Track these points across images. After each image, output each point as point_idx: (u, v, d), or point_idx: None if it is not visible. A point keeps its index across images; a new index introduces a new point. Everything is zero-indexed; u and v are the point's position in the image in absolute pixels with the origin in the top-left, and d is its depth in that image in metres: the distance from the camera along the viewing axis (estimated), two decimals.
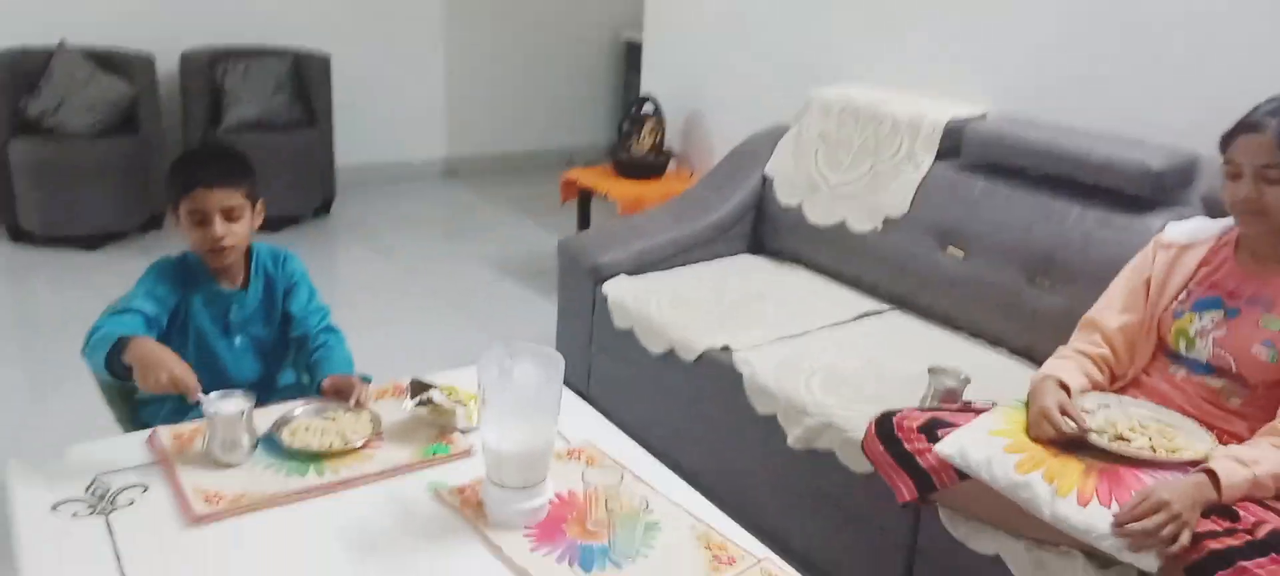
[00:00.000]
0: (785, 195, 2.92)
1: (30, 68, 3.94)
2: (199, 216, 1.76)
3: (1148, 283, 1.83)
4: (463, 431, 1.67)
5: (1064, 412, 1.66)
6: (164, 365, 1.55)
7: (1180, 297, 1.77)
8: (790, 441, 2.09)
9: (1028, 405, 1.75)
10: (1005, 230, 2.36)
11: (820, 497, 2.07)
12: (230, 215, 1.77)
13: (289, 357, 1.99)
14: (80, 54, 4.00)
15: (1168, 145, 2.19)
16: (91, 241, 3.97)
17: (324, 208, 4.68)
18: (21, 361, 3.12)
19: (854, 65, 3.10)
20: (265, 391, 1.85)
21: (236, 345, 1.89)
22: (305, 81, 4.46)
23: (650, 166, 3.70)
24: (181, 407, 1.75)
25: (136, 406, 1.91)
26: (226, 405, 1.53)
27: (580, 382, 2.82)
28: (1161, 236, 1.85)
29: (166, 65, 4.27)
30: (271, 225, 4.25)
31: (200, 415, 1.56)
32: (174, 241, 1.86)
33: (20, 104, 3.90)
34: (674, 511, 1.51)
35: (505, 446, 1.41)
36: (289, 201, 4.35)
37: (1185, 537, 1.43)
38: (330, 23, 4.93)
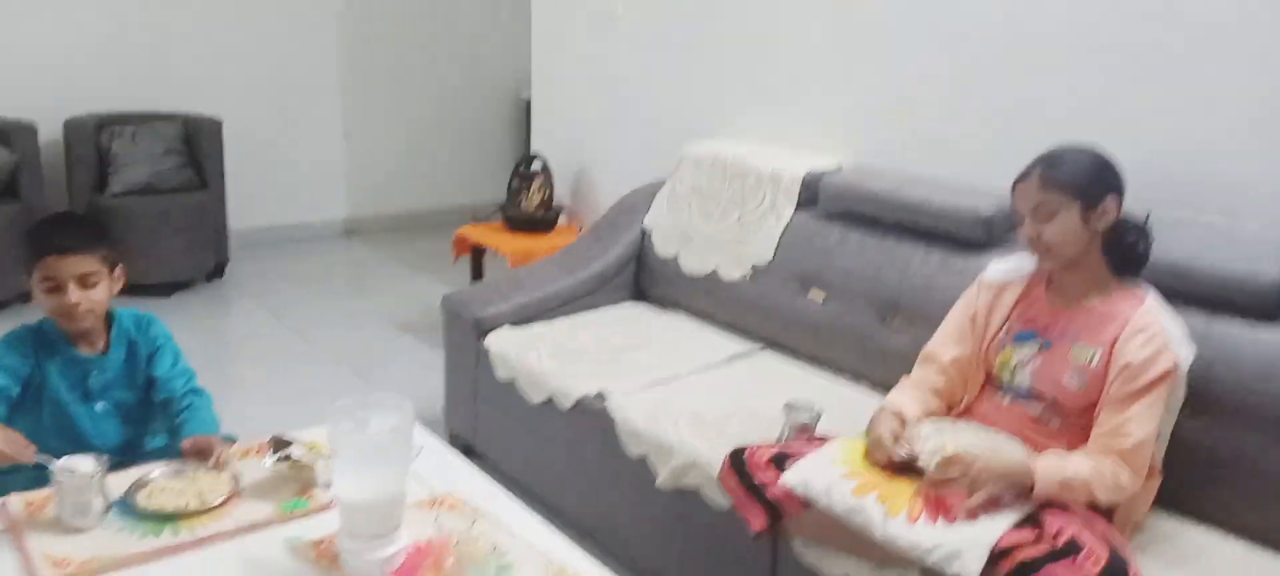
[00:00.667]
0: (662, 246, 3.04)
1: None
2: (51, 284, 1.78)
3: (974, 319, 1.98)
4: (324, 486, 1.70)
5: (897, 439, 1.79)
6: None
7: (1001, 333, 1.92)
8: (659, 481, 2.18)
9: (867, 435, 1.87)
10: (858, 275, 2.51)
11: (689, 534, 2.15)
12: (85, 282, 1.79)
13: (156, 421, 2.00)
14: None
15: (996, 191, 2.37)
16: None
17: (217, 271, 4.63)
18: None
19: (725, 122, 3.26)
20: (132, 455, 1.86)
21: (97, 410, 1.89)
22: (196, 145, 4.44)
23: (540, 222, 3.80)
24: (44, 476, 1.75)
25: None
26: (76, 468, 1.54)
27: (468, 434, 2.86)
28: (984, 276, 2.01)
29: (50, 133, 4.21)
30: (162, 289, 4.21)
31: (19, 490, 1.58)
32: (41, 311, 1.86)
33: None
34: (528, 553, 1.56)
35: (358, 496, 1.45)
36: (180, 265, 4.30)
37: (978, 498, 1.62)
38: (222, 87, 4.93)
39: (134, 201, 4.13)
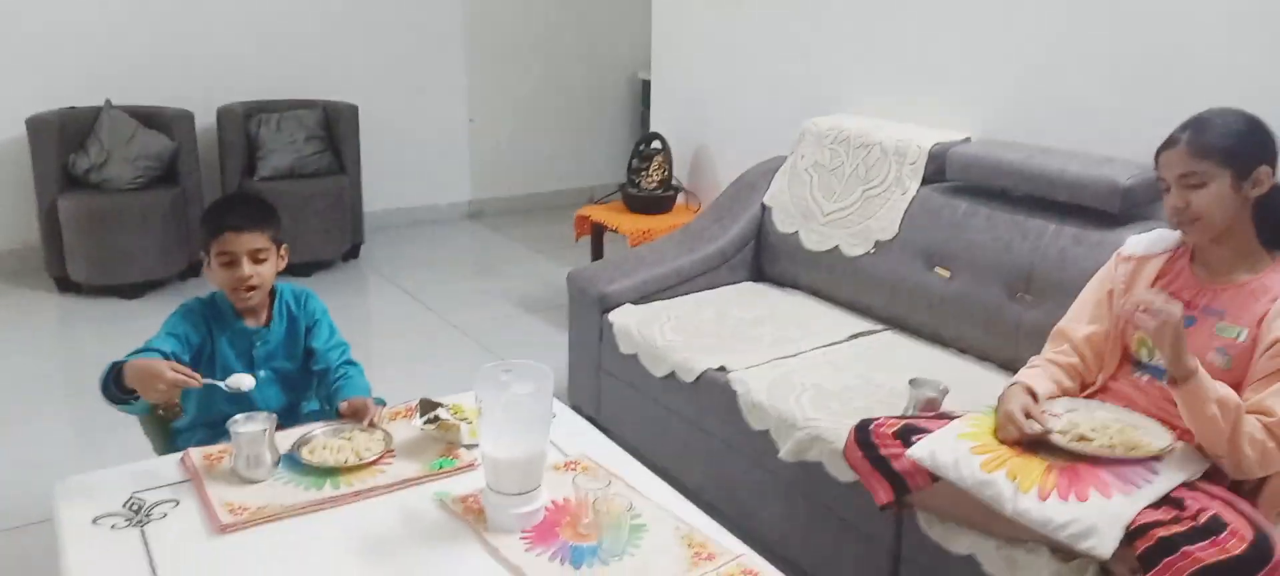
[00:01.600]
0: (783, 223, 3.05)
1: (77, 126, 4.21)
2: (227, 258, 1.93)
3: (1111, 294, 1.93)
4: (467, 447, 1.81)
5: (1029, 414, 1.77)
6: (158, 374, 1.69)
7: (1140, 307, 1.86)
8: (782, 454, 2.20)
9: (997, 411, 1.85)
10: (987, 249, 2.47)
11: (812, 506, 2.18)
12: (256, 257, 1.94)
13: (312, 389, 2.15)
14: (124, 112, 4.25)
15: (1135, 161, 2.29)
16: (134, 289, 4.19)
17: (353, 252, 4.89)
18: (69, 406, 3.32)
19: (847, 95, 3.24)
20: (289, 419, 2.01)
21: (260, 377, 2.05)
22: (335, 131, 4.69)
23: (658, 201, 3.86)
24: (213, 434, 1.92)
25: (173, 435, 2.09)
26: (250, 425, 1.69)
27: (590, 407, 2.95)
28: (1122, 250, 1.95)
29: (204, 120, 4.53)
30: (302, 269, 4.47)
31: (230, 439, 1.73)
32: (209, 286, 2.03)
33: (68, 161, 4.16)
34: (659, 514, 1.63)
35: (502, 454, 1.54)
36: (320, 246, 4.56)
37: (1151, 324, 1.61)
38: (358, 74, 5.18)
39: (279, 185, 4.39)
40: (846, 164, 2.92)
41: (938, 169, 2.70)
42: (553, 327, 4.05)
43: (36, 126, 4.11)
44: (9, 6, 4.35)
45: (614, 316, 2.81)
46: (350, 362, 2.09)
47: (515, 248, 5.34)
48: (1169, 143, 1.75)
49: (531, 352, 3.74)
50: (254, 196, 2.11)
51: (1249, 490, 1.68)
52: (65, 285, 4.26)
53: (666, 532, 1.58)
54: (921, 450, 1.79)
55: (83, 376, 3.58)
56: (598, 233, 3.98)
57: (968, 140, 2.75)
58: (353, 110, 4.73)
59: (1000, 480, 1.68)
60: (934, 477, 1.80)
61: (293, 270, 4.35)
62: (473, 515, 1.61)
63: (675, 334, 2.65)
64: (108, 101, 4.27)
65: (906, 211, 2.71)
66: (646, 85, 5.95)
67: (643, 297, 2.89)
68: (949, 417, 1.95)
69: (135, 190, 4.16)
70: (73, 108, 4.27)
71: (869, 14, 3.16)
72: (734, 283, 3.09)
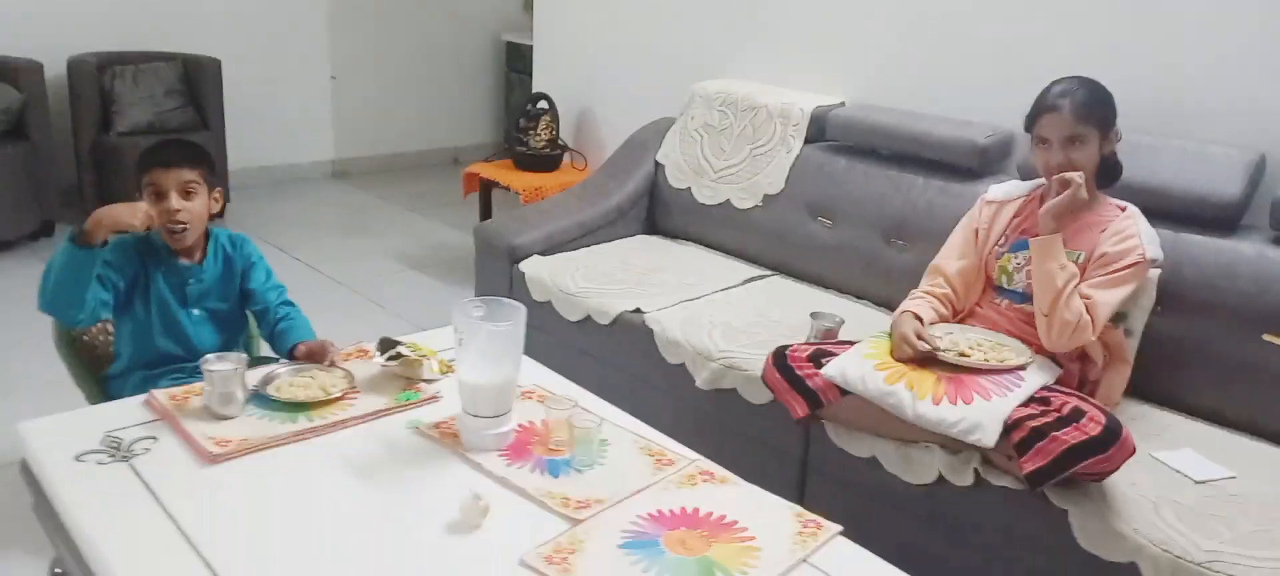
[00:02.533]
0: (676, 179, 3.28)
1: None
2: (156, 190, 1.98)
3: (976, 233, 2.28)
4: (428, 381, 1.93)
5: (919, 337, 2.08)
6: (115, 212, 1.85)
7: (1000, 242, 2.22)
8: (698, 383, 2.45)
9: (891, 335, 2.16)
10: (864, 201, 2.80)
11: (726, 430, 2.43)
12: (185, 190, 2.00)
13: (244, 330, 2.21)
14: None
15: (990, 124, 2.67)
16: None
17: (219, 212, 4.72)
18: None
19: (729, 62, 3.50)
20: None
21: (195, 315, 2.09)
22: (196, 86, 4.52)
23: (547, 159, 4.00)
24: (146, 380, 1.96)
25: (105, 382, 2.10)
26: (222, 364, 1.75)
27: None
28: (985, 195, 2.31)
29: (54, 71, 4.26)
30: None
31: (160, 385, 1.82)
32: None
33: None
34: (617, 431, 1.83)
35: (481, 380, 1.69)
36: None
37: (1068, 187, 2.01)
38: (216, 27, 4.99)
39: (139, 141, 4.19)
40: (734, 125, 3.18)
41: (819, 130, 3.01)
42: (437, 281, 4.14)
43: None
44: None
45: (525, 266, 2.96)
46: (289, 303, 2.17)
47: (386, 206, 5.33)
48: (1051, 108, 2.07)
49: (423, 305, 3.84)
50: (182, 139, 2.14)
51: (1088, 390, 2.07)
52: None
53: (627, 445, 1.78)
54: (833, 369, 2.08)
55: None
56: (486, 190, 4.08)
57: (842, 104, 3.07)
58: (216, 64, 4.57)
59: (901, 390, 1.99)
60: (842, 392, 2.08)
61: None
62: (449, 438, 1.75)
63: (586, 281, 2.84)
64: None
65: (791, 168, 3.00)
66: (511, 46, 6.04)
67: (548, 249, 3.05)
68: (847, 344, 2.25)
69: None
70: None
71: None
72: (630, 235, 3.30)
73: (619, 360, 2.69)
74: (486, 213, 4.08)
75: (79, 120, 4.26)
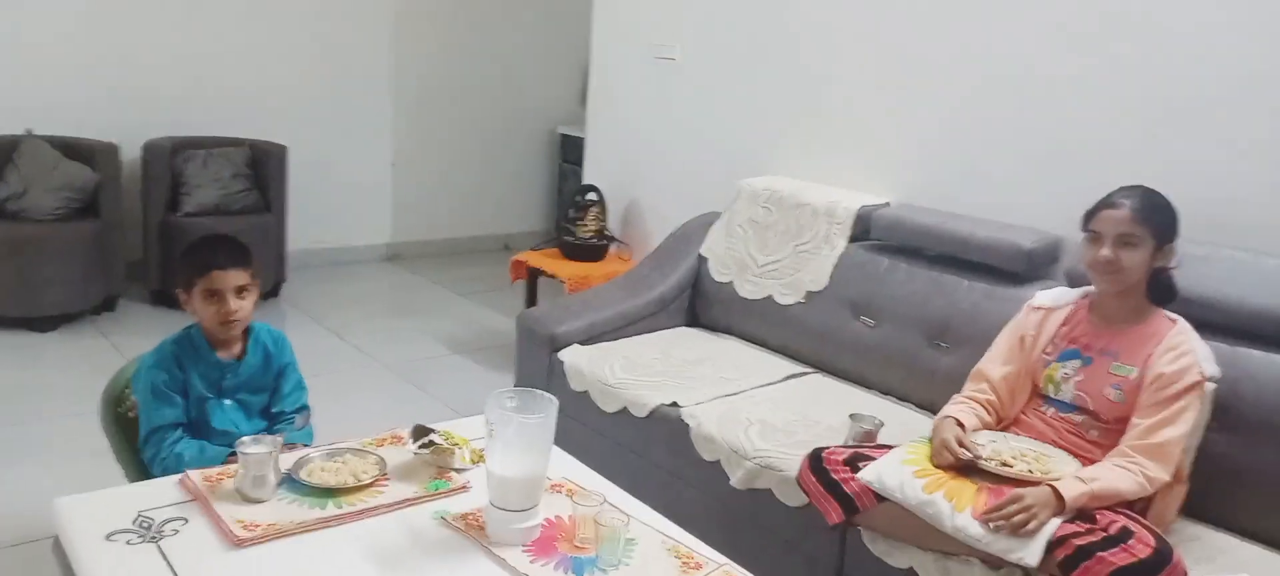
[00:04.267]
0: (719, 273, 3.29)
1: None
2: (215, 295, 2.04)
3: (1022, 339, 2.23)
4: (458, 470, 1.93)
5: (960, 443, 2.03)
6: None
7: (1048, 350, 2.17)
8: (733, 482, 2.40)
9: (931, 440, 2.11)
10: (907, 302, 2.76)
11: (760, 531, 2.38)
12: (240, 293, 2.06)
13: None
14: (46, 141, 4.16)
15: (1036, 228, 2.63)
16: (48, 322, 4.06)
17: (274, 290, 4.87)
18: None
19: (775, 159, 3.53)
20: None
21: (225, 406, 2.13)
22: (262, 169, 4.70)
23: (593, 249, 4.05)
24: (207, 459, 2.00)
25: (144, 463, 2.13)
26: (257, 447, 1.77)
27: None
28: (1033, 301, 2.27)
29: (129, 154, 4.47)
30: None
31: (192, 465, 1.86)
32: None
33: None
34: (645, 530, 1.80)
35: (509, 472, 1.68)
36: None
37: (1032, 526, 1.82)
38: (285, 113, 5.20)
39: (204, 222, 4.36)
40: (779, 221, 3.19)
41: (864, 229, 3.00)
42: (481, 366, 4.17)
43: None
44: None
45: (564, 355, 2.97)
46: (303, 408, 2.22)
47: (436, 289, 5.41)
48: (1111, 204, 2.03)
49: (464, 390, 3.86)
50: (231, 238, 2.20)
51: (1140, 509, 1.99)
52: None
53: (654, 545, 1.75)
54: (870, 474, 2.03)
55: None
56: (533, 277, 4.14)
57: (887, 204, 3.07)
58: (281, 150, 4.75)
59: (939, 500, 1.93)
60: (879, 499, 2.03)
61: None
62: (475, 530, 1.73)
63: (624, 372, 2.83)
64: (28, 130, 4.17)
65: (835, 266, 2.99)
66: (566, 139, 6.18)
67: (589, 338, 3.06)
68: (886, 448, 2.20)
69: (55, 221, 4.06)
70: None
71: (797, 82, 3.47)
72: (671, 327, 3.30)
73: (653, 454, 2.66)
74: (532, 300, 4.12)
75: (149, 200, 4.44)
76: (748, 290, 3.19)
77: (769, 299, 3.12)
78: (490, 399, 1.69)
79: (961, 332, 2.61)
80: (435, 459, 1.93)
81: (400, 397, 3.77)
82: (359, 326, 4.61)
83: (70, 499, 1.74)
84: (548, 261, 4.06)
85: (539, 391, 1.73)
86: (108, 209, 4.22)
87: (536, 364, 3.07)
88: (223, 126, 4.87)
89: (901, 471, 2.01)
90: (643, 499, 2.67)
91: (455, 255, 6.10)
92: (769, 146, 3.57)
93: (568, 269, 3.94)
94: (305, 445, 2.06)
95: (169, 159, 4.47)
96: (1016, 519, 1.83)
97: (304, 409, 2.23)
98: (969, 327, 2.59)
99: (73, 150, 4.20)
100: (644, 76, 4.10)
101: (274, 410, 2.19)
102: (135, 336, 3.78)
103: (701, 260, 3.36)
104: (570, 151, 6.04)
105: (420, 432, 1.97)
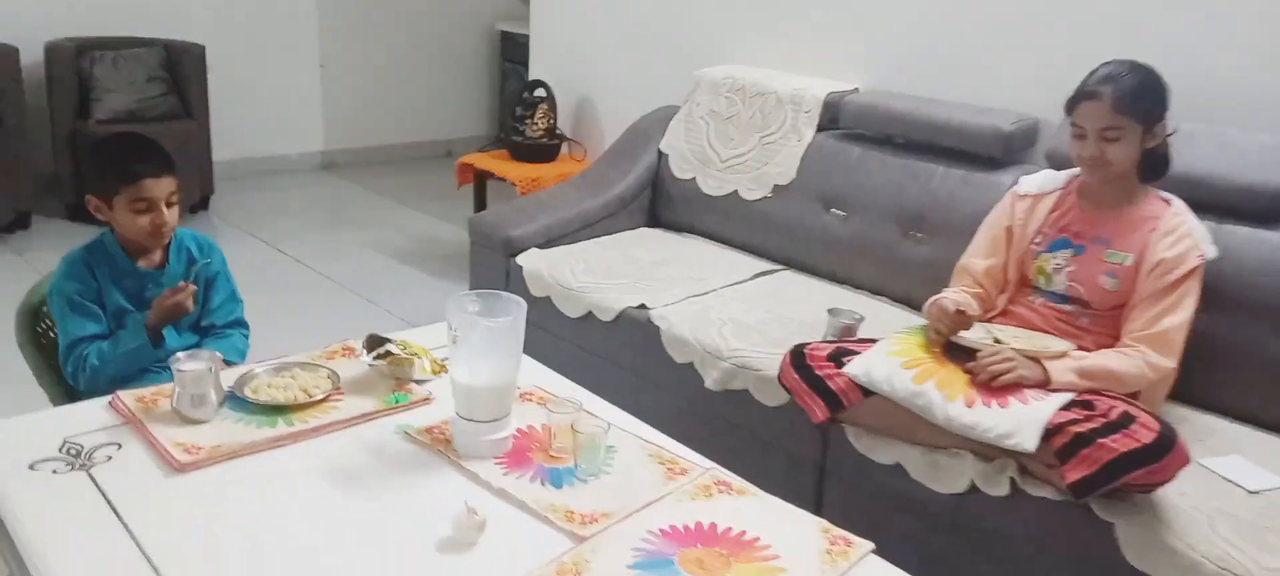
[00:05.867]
0: (680, 169, 3.13)
1: None
2: (145, 205, 1.85)
3: (1009, 230, 2.12)
4: (418, 382, 1.78)
5: (959, 310, 1.93)
6: (178, 310, 1.87)
7: (1037, 240, 2.07)
8: (708, 384, 2.30)
9: (925, 321, 2.01)
10: (880, 192, 2.65)
11: (737, 433, 2.29)
12: (170, 201, 1.89)
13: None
14: None
15: (1013, 110, 2.53)
16: None
17: (202, 203, 4.57)
18: None
19: (734, 48, 3.35)
20: None
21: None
22: (179, 73, 4.35)
23: (545, 149, 3.85)
24: (114, 382, 1.81)
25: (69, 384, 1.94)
26: (194, 363, 1.59)
27: None
28: (1017, 188, 2.16)
29: (30, 57, 4.08)
30: None
31: (127, 387, 1.67)
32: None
33: None
34: (625, 437, 1.68)
35: (477, 381, 1.54)
36: None
37: (1010, 376, 1.81)
38: (200, 12, 4.82)
39: (118, 130, 4.02)
40: (743, 112, 3.03)
41: (831, 117, 2.86)
42: (432, 277, 3.99)
43: None
44: None
45: (522, 260, 2.81)
46: (239, 322, 2.06)
47: (377, 199, 5.17)
48: (1090, 95, 1.90)
49: (416, 301, 3.68)
50: (151, 139, 1.98)
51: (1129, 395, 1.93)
52: None
53: (635, 452, 1.63)
54: (857, 368, 1.93)
55: None
56: (481, 181, 3.93)
57: (856, 90, 2.93)
58: (199, 50, 4.40)
59: (930, 390, 1.84)
60: (865, 394, 1.94)
61: None
62: (441, 444, 1.60)
63: (587, 276, 2.69)
64: None
65: (803, 157, 2.85)
66: (506, 35, 5.88)
67: (547, 242, 2.91)
68: (868, 342, 2.10)
69: None
70: None
71: None
72: (631, 228, 3.15)
73: (621, 359, 2.54)
74: (481, 205, 3.92)
75: (56, 108, 4.09)
76: (711, 186, 3.04)
77: (734, 194, 2.98)
78: (451, 302, 1.54)
79: (937, 222, 2.51)
80: (393, 370, 1.78)
81: (348, 311, 3.58)
82: (297, 239, 4.37)
83: None
84: (496, 163, 3.86)
85: (504, 293, 1.58)
86: (9, 118, 3.87)
87: (492, 271, 2.91)
88: (130, 26, 4.49)
89: (889, 363, 1.92)
90: (616, 406, 2.58)
91: (394, 163, 5.82)
92: (728, 32, 3.38)
93: (518, 170, 3.75)
94: (238, 364, 1.89)
95: (74, 61, 4.11)
96: (994, 367, 1.80)
97: (240, 322, 2.05)
98: (945, 217, 2.49)
99: None
100: None
101: (204, 323, 2.00)
102: (53, 253, 3.45)
103: (661, 156, 3.20)
104: (511, 49, 5.76)
105: (375, 343, 1.81)
